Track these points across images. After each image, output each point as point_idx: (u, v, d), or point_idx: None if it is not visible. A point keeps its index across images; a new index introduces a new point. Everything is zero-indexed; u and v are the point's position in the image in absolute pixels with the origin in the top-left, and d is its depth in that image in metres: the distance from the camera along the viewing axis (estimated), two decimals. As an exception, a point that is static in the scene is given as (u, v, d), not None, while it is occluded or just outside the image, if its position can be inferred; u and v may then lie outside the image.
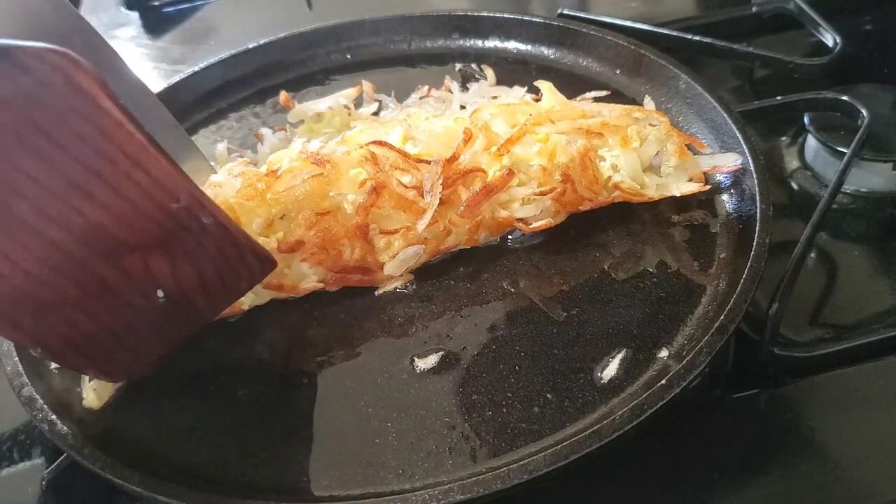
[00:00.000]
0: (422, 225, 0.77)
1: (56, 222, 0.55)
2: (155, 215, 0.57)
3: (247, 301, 0.76)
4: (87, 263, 0.58)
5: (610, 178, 0.82)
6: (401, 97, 1.02)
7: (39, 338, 0.60)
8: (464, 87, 1.03)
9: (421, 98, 1.02)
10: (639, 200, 0.82)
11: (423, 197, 0.77)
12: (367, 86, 1.03)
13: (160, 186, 0.57)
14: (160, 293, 0.62)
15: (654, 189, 0.83)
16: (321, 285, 0.78)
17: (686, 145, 0.84)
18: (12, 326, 0.59)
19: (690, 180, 0.84)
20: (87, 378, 0.72)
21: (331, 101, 1.00)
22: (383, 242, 0.78)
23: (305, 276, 0.77)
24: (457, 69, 1.09)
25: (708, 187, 0.83)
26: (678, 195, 0.83)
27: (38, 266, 0.56)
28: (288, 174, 0.77)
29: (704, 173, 0.84)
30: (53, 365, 0.73)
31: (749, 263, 0.71)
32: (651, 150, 0.84)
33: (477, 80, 1.06)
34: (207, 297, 0.65)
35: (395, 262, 0.78)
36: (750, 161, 0.81)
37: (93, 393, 0.71)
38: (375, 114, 1.01)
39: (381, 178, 0.77)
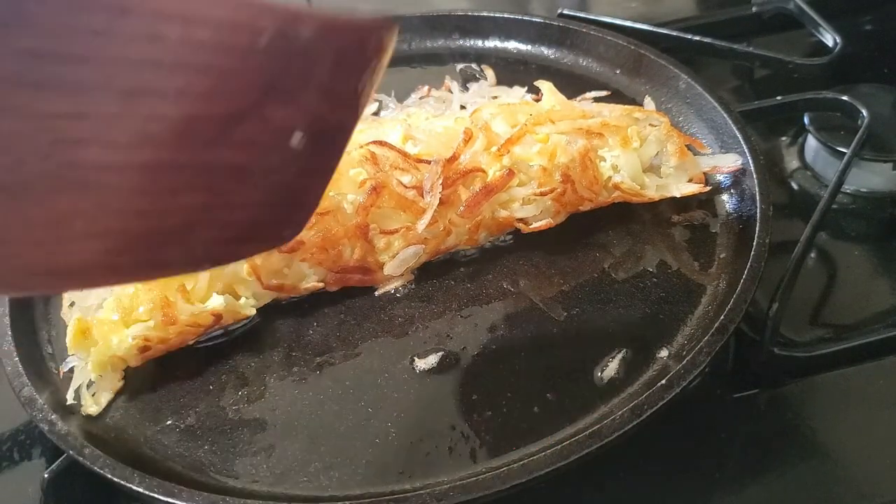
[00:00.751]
0: (422, 225, 0.76)
1: (132, 146, 0.41)
2: (244, 67, 0.43)
3: (247, 304, 0.76)
4: (198, 161, 0.44)
5: (610, 178, 0.82)
6: (401, 97, 1.02)
7: (199, 258, 0.49)
8: (464, 87, 1.03)
9: (421, 98, 1.02)
10: (639, 201, 0.82)
11: (423, 197, 0.77)
12: (367, 86, 1.03)
13: (230, 29, 0.41)
14: (297, 136, 0.47)
15: (654, 190, 0.83)
16: (321, 285, 0.78)
17: (686, 146, 0.84)
18: (161, 267, 0.48)
19: (690, 181, 0.84)
20: (85, 385, 0.72)
21: (331, 101, 0.99)
22: (383, 242, 0.78)
23: (305, 276, 0.77)
24: (458, 70, 1.09)
25: (708, 188, 0.83)
26: (678, 196, 0.83)
27: (143, 199, 0.43)
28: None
29: (704, 174, 0.84)
30: (70, 391, 0.72)
31: (749, 263, 0.71)
32: (651, 150, 0.84)
33: (477, 80, 1.06)
34: (337, 109, 0.49)
35: (395, 262, 0.78)
36: (750, 161, 0.81)
37: (91, 399, 0.71)
38: (375, 114, 1.01)
39: (381, 177, 0.77)
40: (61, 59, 0.38)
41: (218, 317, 0.73)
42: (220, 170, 0.46)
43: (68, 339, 0.72)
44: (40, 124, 0.39)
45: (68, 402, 0.71)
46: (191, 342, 0.75)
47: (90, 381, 0.72)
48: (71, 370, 0.72)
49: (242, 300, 0.76)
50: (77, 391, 0.71)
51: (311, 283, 0.77)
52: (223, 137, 0.44)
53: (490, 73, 1.05)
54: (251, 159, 0.47)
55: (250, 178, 0.48)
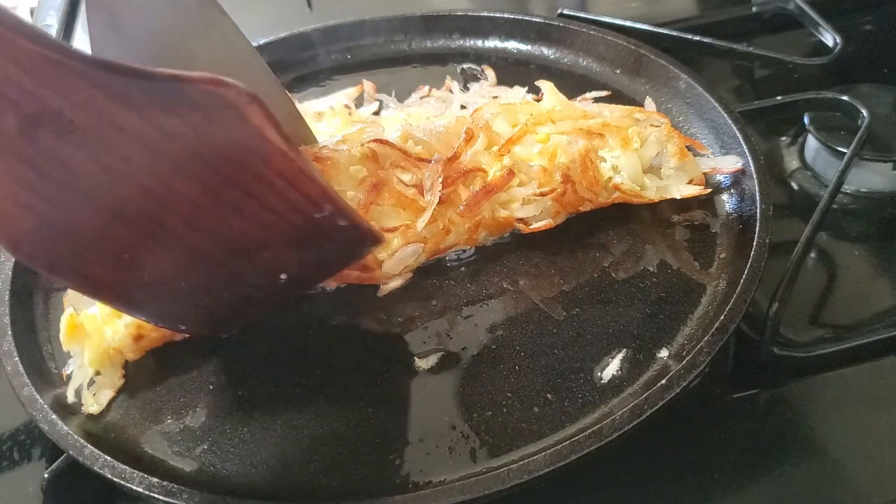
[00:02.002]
0: (421, 223, 0.76)
1: (202, 232, 0.58)
2: (296, 223, 0.60)
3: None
4: (222, 261, 0.61)
5: (610, 178, 0.82)
6: (401, 97, 1.02)
7: (160, 313, 0.66)
8: (464, 87, 1.03)
9: (422, 98, 1.02)
10: (639, 202, 0.82)
11: (422, 195, 0.77)
12: (367, 85, 1.03)
13: (309, 200, 0.58)
14: (283, 276, 0.64)
15: (654, 191, 0.83)
16: (320, 283, 0.78)
17: (686, 147, 0.84)
18: (135, 307, 0.64)
19: (691, 182, 0.84)
20: (86, 384, 0.72)
21: (332, 101, 1.00)
22: (383, 241, 0.78)
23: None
24: (458, 70, 1.09)
25: (708, 191, 0.83)
26: (678, 198, 0.82)
27: (173, 266, 0.60)
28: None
29: (704, 175, 0.84)
30: (70, 389, 0.73)
31: (749, 263, 0.71)
32: (651, 151, 0.84)
33: (478, 79, 1.06)
34: (319, 271, 0.69)
35: (394, 260, 0.78)
36: (750, 161, 0.81)
37: (91, 398, 0.71)
38: (376, 113, 1.01)
39: (382, 175, 0.77)
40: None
41: None
42: (227, 270, 0.62)
43: (61, 336, 0.72)
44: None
45: (69, 402, 0.71)
46: (188, 335, 0.75)
47: (91, 379, 0.72)
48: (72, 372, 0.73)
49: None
50: (77, 391, 0.71)
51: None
52: (248, 253, 0.61)
53: (491, 73, 1.05)
54: (247, 274, 0.64)
55: (235, 284, 0.64)
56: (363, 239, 0.66)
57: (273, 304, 0.70)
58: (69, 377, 0.73)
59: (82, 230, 0.55)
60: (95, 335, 0.72)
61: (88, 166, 0.52)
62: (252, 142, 0.53)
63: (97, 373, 0.72)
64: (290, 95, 0.87)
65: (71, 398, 0.71)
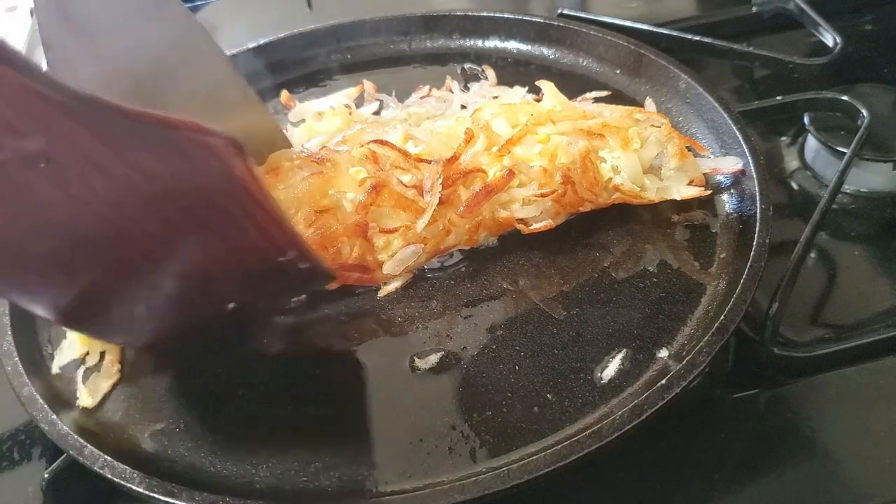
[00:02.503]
0: (421, 224, 0.77)
1: (157, 265, 0.58)
2: (258, 264, 0.60)
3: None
4: (173, 291, 0.61)
5: (610, 179, 0.82)
6: (401, 97, 1.02)
7: (100, 329, 0.66)
8: (465, 87, 1.03)
9: (422, 98, 1.02)
10: (639, 202, 0.82)
11: (422, 196, 0.77)
12: (368, 85, 1.03)
13: (275, 246, 0.59)
14: (231, 305, 0.65)
15: (654, 192, 0.83)
16: (319, 281, 0.78)
17: (686, 148, 0.84)
18: (74, 323, 0.65)
19: (691, 183, 0.83)
20: (80, 378, 0.72)
21: (332, 101, 1.00)
22: (382, 241, 0.78)
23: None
24: (458, 71, 1.09)
25: (708, 192, 0.83)
26: (678, 199, 0.82)
27: (122, 292, 0.60)
28: (287, 172, 0.77)
29: (705, 175, 0.84)
30: (55, 366, 0.73)
31: (749, 263, 0.71)
32: (651, 151, 0.84)
33: (478, 79, 1.06)
34: (269, 301, 0.70)
35: (394, 261, 0.78)
36: (750, 161, 0.81)
37: (85, 391, 0.71)
38: (376, 113, 1.01)
39: (382, 176, 0.77)
40: None
41: None
42: (178, 295, 0.62)
43: None
44: None
45: (53, 372, 0.72)
46: None
47: (85, 371, 0.73)
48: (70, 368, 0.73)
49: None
50: (66, 374, 0.72)
51: (310, 280, 0.78)
52: (203, 286, 0.62)
53: (491, 72, 1.05)
54: (195, 300, 0.65)
55: (180, 306, 0.64)
56: (318, 277, 0.67)
57: (216, 328, 0.70)
58: (57, 353, 0.74)
59: (30, 251, 0.54)
60: None
61: (52, 195, 0.51)
62: (231, 190, 0.53)
63: (86, 353, 0.72)
64: (252, 91, 0.86)
65: (55, 369, 0.72)
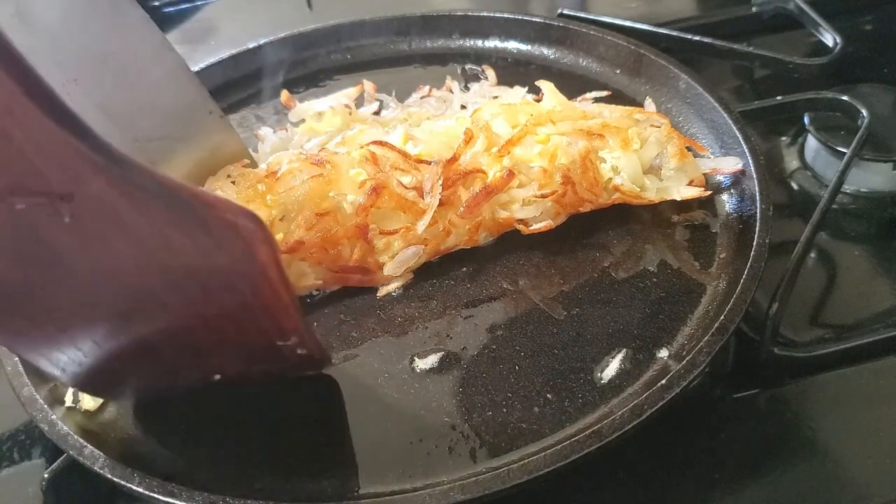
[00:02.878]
0: (421, 225, 0.77)
1: (160, 331, 0.58)
2: (257, 344, 0.60)
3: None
4: (166, 356, 0.61)
5: (610, 179, 0.82)
6: (401, 97, 1.02)
7: (73, 379, 0.64)
8: (465, 87, 1.03)
9: (422, 98, 1.02)
10: (639, 203, 0.82)
11: (422, 197, 0.77)
12: (368, 85, 1.03)
13: (279, 330, 0.59)
14: (217, 377, 0.65)
15: (654, 192, 0.83)
16: (319, 282, 0.78)
17: (686, 148, 0.84)
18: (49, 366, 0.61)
19: (691, 183, 0.83)
20: None
21: (332, 101, 1.00)
22: (383, 243, 0.78)
23: (305, 275, 0.77)
24: (458, 71, 1.09)
25: (708, 193, 0.83)
26: (678, 199, 0.82)
27: (116, 349, 0.59)
28: (288, 175, 0.77)
29: (705, 175, 0.84)
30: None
31: (749, 263, 0.71)
32: (651, 152, 0.84)
33: (479, 79, 1.06)
34: (255, 377, 0.68)
35: (395, 262, 0.78)
36: (750, 161, 0.81)
37: (88, 395, 0.71)
38: (376, 113, 1.01)
39: (381, 178, 0.77)
40: None
41: None
42: (170, 363, 0.62)
43: None
44: None
45: (66, 396, 0.71)
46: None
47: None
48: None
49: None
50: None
51: (310, 281, 0.78)
52: (197, 358, 0.62)
53: (491, 72, 1.05)
54: (186, 372, 0.65)
55: (168, 372, 0.65)
56: (314, 364, 0.67)
57: (185, 391, 0.69)
58: None
59: (33, 297, 0.53)
60: None
61: (71, 249, 0.50)
62: (250, 273, 0.53)
63: None
64: (214, 104, 0.86)
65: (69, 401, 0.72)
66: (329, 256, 0.76)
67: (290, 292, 0.56)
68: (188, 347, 0.60)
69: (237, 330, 0.58)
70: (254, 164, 0.88)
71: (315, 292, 0.79)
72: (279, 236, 0.76)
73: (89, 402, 0.71)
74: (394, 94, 1.02)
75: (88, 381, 0.64)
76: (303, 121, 0.99)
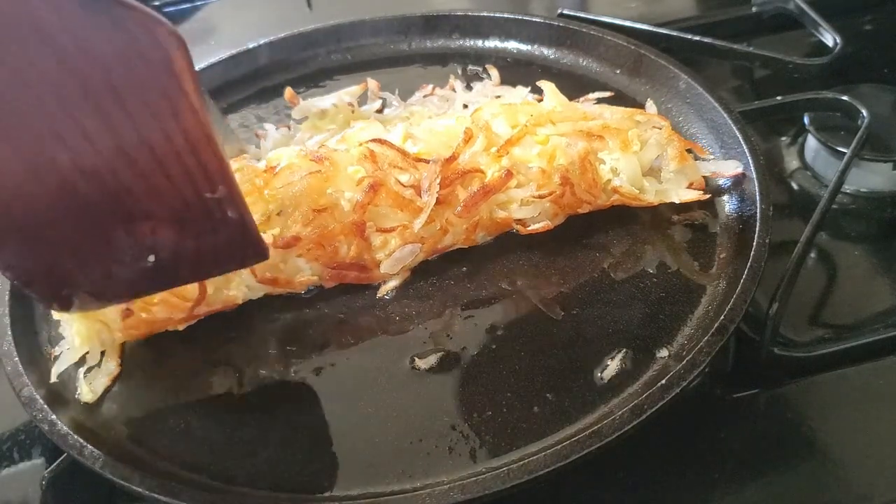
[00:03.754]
0: (418, 224, 0.76)
1: (88, 176, 0.55)
2: (186, 197, 0.59)
3: (240, 295, 0.77)
4: (100, 219, 0.59)
5: (609, 181, 0.82)
6: (404, 96, 1.02)
7: (10, 263, 0.61)
8: (468, 87, 1.03)
9: (425, 96, 1.02)
10: (638, 205, 0.82)
11: (420, 196, 0.77)
12: (371, 83, 1.03)
13: (204, 174, 0.58)
14: (151, 258, 0.63)
15: (653, 195, 0.82)
16: (315, 278, 0.78)
17: (687, 150, 0.84)
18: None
19: (690, 185, 0.83)
20: (82, 373, 0.72)
21: (335, 98, 1.00)
22: (380, 240, 0.78)
23: (301, 271, 0.77)
24: (459, 71, 1.09)
25: (707, 196, 0.83)
26: (678, 202, 0.82)
27: (50, 208, 0.56)
28: (286, 171, 0.77)
29: (704, 177, 0.84)
30: (54, 369, 0.73)
31: (749, 263, 0.71)
32: (651, 153, 0.83)
33: (481, 79, 1.06)
34: (193, 269, 0.67)
35: (392, 260, 0.78)
36: (750, 162, 0.81)
37: (87, 387, 0.71)
38: (379, 111, 1.01)
39: (379, 175, 0.77)
40: None
41: (203, 292, 0.73)
42: (102, 232, 0.60)
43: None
44: None
45: (51, 381, 0.72)
46: (181, 328, 0.75)
47: (87, 367, 0.73)
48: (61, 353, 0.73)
49: (233, 286, 0.76)
50: (66, 372, 0.72)
51: (306, 277, 0.77)
52: (128, 219, 0.60)
53: (494, 72, 1.05)
54: (120, 243, 0.61)
55: (103, 251, 0.62)
56: (247, 245, 0.65)
57: (131, 291, 0.67)
58: (57, 357, 0.73)
59: None
60: None
61: None
62: (168, 88, 0.52)
63: (87, 352, 0.72)
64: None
65: (53, 377, 0.72)
66: (325, 253, 0.76)
67: (209, 122, 0.55)
68: (119, 208, 0.58)
69: (164, 173, 0.57)
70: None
71: (312, 288, 0.79)
72: (276, 231, 0.76)
73: (87, 393, 0.71)
74: (397, 92, 1.02)
75: (35, 279, 0.62)
76: (306, 118, 0.99)
